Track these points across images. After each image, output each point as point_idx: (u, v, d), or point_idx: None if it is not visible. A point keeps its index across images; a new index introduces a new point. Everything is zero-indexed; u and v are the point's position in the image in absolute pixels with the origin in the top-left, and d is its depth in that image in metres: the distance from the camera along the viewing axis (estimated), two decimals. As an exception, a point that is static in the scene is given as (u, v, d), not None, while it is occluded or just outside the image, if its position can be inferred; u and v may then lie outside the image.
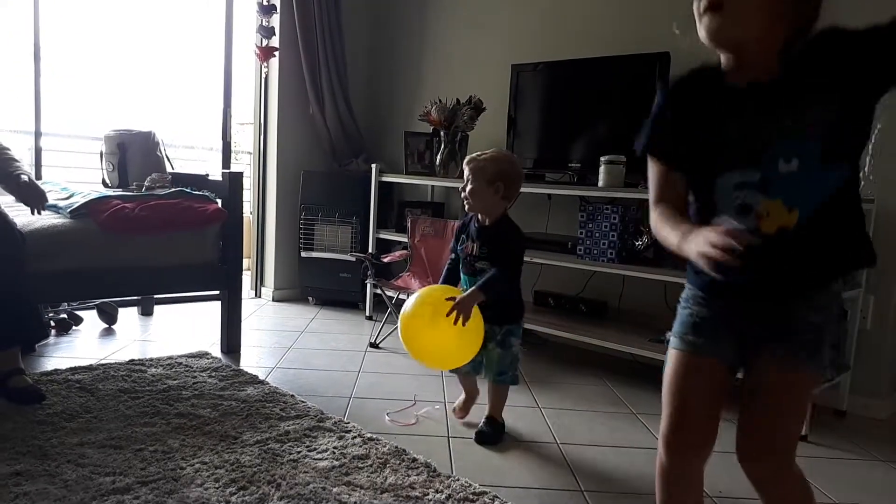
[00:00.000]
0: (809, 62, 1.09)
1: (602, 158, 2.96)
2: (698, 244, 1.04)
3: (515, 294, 2.34)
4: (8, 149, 2.65)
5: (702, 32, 1.13)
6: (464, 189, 2.25)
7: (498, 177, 2.20)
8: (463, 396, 2.46)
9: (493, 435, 2.27)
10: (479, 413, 2.38)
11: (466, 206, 2.28)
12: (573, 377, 3.05)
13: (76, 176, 3.90)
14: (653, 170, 1.27)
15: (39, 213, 2.58)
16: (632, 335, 2.96)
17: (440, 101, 3.67)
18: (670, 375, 1.29)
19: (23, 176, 2.56)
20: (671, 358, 1.29)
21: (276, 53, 4.25)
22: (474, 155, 2.26)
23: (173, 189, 3.01)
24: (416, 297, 2.18)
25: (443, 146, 3.71)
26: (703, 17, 1.11)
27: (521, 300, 2.37)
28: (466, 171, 2.25)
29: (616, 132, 3.16)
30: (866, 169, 2.56)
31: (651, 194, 1.26)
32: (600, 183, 2.97)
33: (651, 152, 1.25)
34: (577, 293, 3.47)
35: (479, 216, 2.29)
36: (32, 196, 2.55)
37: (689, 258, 1.10)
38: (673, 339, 1.29)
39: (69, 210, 2.69)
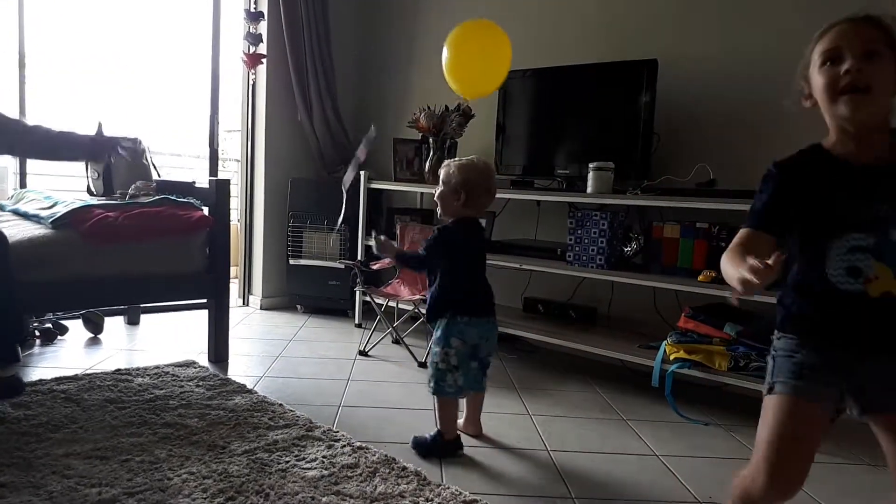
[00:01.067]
0: None
1: (590, 165, 2.97)
2: (739, 271, 1.13)
3: (436, 292, 2.22)
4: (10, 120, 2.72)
5: (842, 110, 1.22)
6: (435, 192, 2.25)
7: (462, 186, 2.16)
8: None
9: (423, 444, 2.20)
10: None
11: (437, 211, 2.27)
12: (563, 384, 3.05)
13: (61, 184, 3.86)
14: (747, 231, 1.35)
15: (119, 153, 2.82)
16: (621, 341, 2.97)
17: (429, 107, 3.67)
18: (776, 422, 1.31)
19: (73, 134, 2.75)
20: (776, 404, 1.32)
21: (264, 60, 4.24)
22: (449, 160, 2.25)
23: (157, 196, 2.98)
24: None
25: (432, 153, 3.71)
26: (845, 97, 1.21)
27: (443, 302, 2.21)
28: (440, 175, 2.24)
29: (605, 139, 3.17)
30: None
31: (735, 240, 1.34)
32: (589, 189, 2.98)
33: (763, 229, 1.33)
34: (566, 300, 3.48)
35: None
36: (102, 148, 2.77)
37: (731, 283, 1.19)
38: (777, 384, 1.33)
39: (51, 220, 2.65)
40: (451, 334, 2.17)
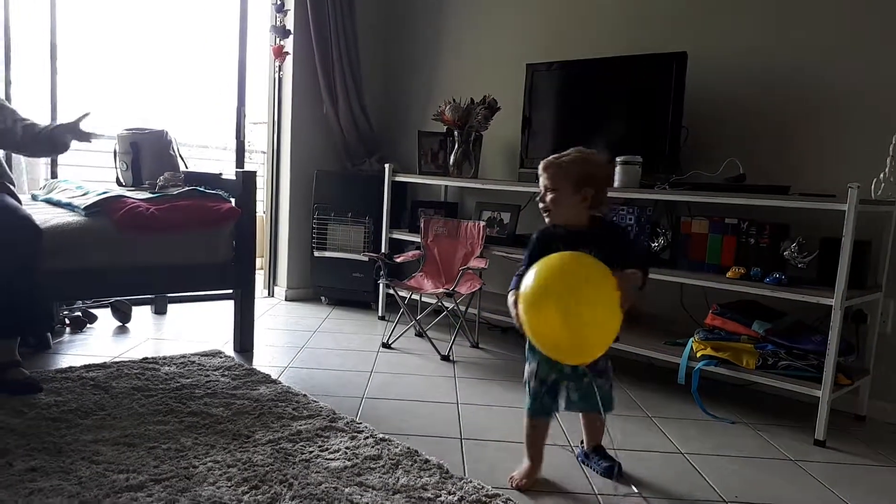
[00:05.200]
0: None
1: (618, 159, 2.93)
2: None
3: None
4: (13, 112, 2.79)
5: None
6: (542, 199, 1.92)
7: (586, 181, 1.86)
8: (527, 464, 2.00)
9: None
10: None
11: (548, 218, 1.95)
12: (587, 379, 3.02)
13: (91, 175, 3.91)
14: None
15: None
16: (647, 338, 2.93)
17: (454, 100, 3.65)
18: None
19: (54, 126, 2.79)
20: None
21: (290, 52, 4.25)
22: (552, 158, 1.92)
23: (186, 188, 3.01)
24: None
25: (456, 146, 3.69)
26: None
27: None
28: (544, 178, 1.91)
29: (632, 132, 3.13)
30: (886, 171, 2.52)
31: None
32: (616, 184, 2.94)
33: None
34: (591, 295, 3.44)
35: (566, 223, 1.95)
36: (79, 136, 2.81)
37: None
38: None
39: (84, 207, 2.69)
40: None
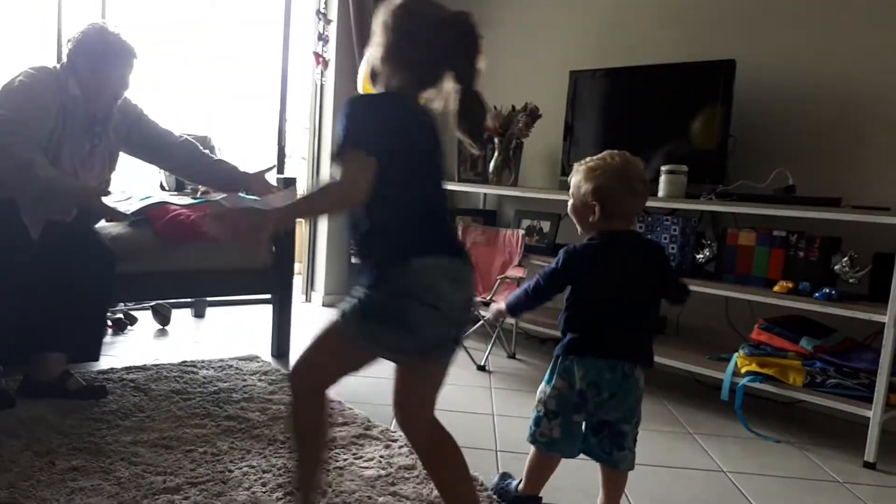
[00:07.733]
0: None
1: (662, 168, 2.88)
2: None
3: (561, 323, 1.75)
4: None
5: None
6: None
7: (594, 195, 1.69)
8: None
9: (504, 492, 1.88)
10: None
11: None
12: (626, 393, 2.96)
13: (136, 179, 3.98)
14: None
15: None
16: (690, 352, 2.87)
17: (495, 107, 3.63)
18: None
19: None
20: None
21: (332, 59, 4.29)
22: (578, 164, 1.79)
23: (228, 193, 3.04)
24: None
25: (496, 153, 3.67)
26: None
27: (563, 336, 1.73)
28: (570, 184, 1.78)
29: (678, 141, 3.07)
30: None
31: None
32: (660, 193, 2.89)
33: None
34: (631, 306, 3.38)
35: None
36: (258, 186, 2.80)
37: None
38: None
39: (129, 213, 2.74)
40: (556, 371, 1.73)
